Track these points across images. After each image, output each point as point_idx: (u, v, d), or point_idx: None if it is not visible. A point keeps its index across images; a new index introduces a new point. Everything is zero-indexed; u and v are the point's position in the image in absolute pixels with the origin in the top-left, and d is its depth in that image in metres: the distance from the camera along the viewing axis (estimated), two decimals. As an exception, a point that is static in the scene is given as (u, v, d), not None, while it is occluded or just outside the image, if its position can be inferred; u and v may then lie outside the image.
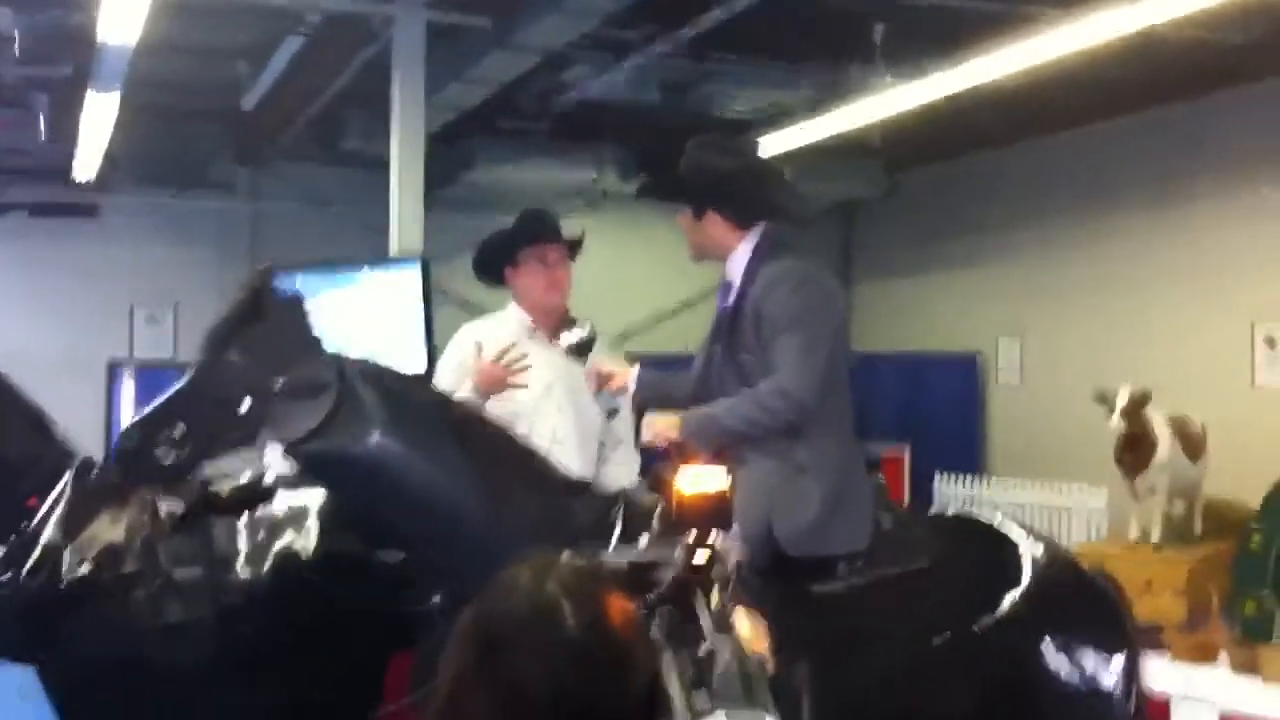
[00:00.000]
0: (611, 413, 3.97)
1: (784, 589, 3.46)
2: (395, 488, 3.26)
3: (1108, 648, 3.64)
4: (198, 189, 11.99)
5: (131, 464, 3.17)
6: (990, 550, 3.73)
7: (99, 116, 8.83)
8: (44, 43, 8.69)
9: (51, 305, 11.65)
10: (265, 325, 3.24)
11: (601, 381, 3.82)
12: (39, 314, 11.51)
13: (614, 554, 2.46)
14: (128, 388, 11.90)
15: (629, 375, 3.81)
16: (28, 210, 11.78)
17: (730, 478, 2.53)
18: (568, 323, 4.03)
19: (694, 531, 2.38)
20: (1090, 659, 3.60)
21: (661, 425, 3.62)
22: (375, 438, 3.20)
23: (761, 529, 3.47)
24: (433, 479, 3.28)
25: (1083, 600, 3.76)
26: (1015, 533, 3.82)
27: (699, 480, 2.47)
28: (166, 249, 12.09)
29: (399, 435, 3.24)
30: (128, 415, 11.94)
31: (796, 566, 3.51)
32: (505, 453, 3.52)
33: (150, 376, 11.99)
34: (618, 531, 3.41)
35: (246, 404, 3.16)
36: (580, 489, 3.61)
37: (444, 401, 3.62)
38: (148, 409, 3.24)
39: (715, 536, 2.38)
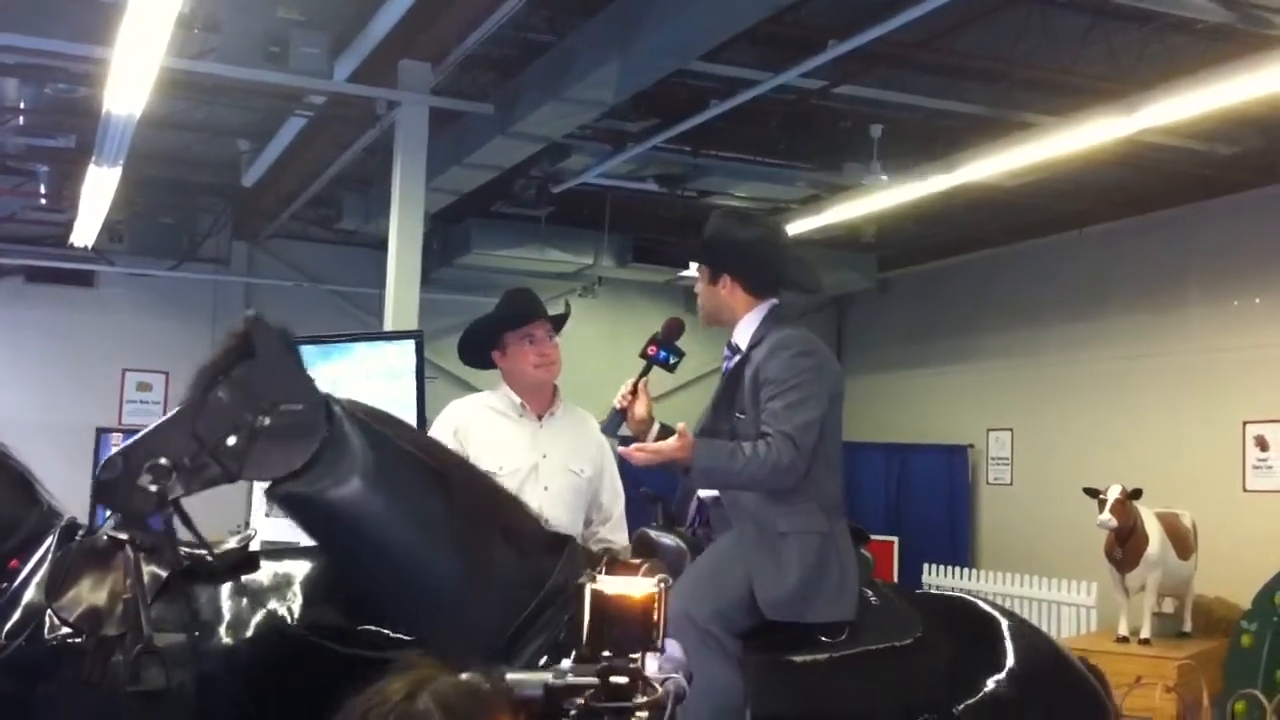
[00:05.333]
0: (605, 429, 3.82)
1: (764, 656, 3.44)
2: (371, 534, 3.24)
3: None
4: (194, 261, 12.07)
5: (112, 492, 3.14)
6: (975, 631, 3.72)
7: (100, 187, 8.91)
8: (48, 114, 8.82)
9: (43, 369, 11.67)
10: (255, 364, 3.25)
11: (627, 404, 3.67)
12: (30, 377, 11.53)
13: (529, 673, 2.09)
14: (115, 455, 11.87)
15: (653, 424, 3.67)
16: (24, 275, 11.85)
17: (662, 590, 2.20)
18: (670, 329, 3.87)
19: (615, 647, 2.12)
20: (1072, 747, 3.60)
21: (668, 447, 3.48)
22: (355, 483, 3.19)
23: (742, 593, 3.45)
24: (409, 528, 3.28)
25: (1066, 685, 3.74)
26: (1000, 616, 3.82)
27: (624, 584, 2.17)
28: (160, 318, 12.13)
29: (380, 482, 3.23)
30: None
31: (777, 633, 3.48)
32: (487, 505, 3.48)
33: (138, 445, 12.01)
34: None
35: (231, 441, 3.15)
36: (560, 544, 3.57)
37: (430, 448, 3.57)
38: (131, 439, 3.22)
39: (642, 657, 2.13)
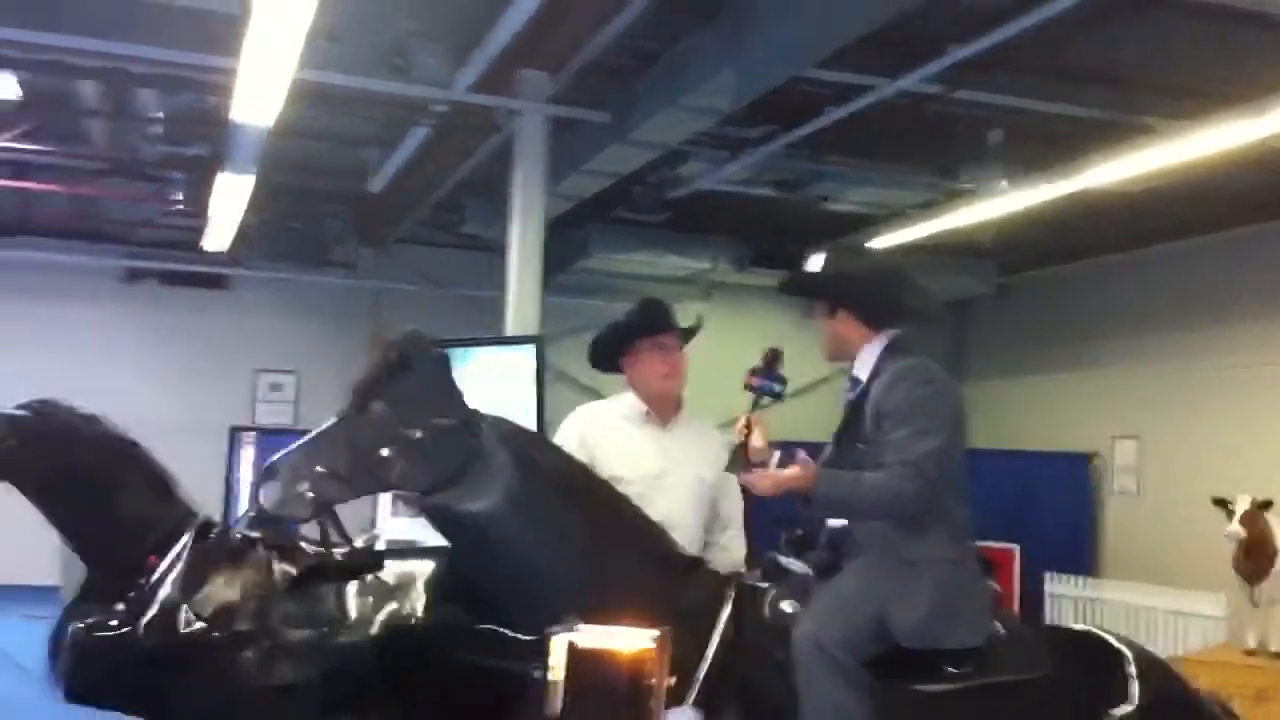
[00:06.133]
0: (729, 466, 3.84)
1: (891, 684, 3.44)
2: (511, 547, 3.37)
3: None
4: (323, 266, 12.40)
5: (273, 498, 3.32)
6: (1103, 667, 3.67)
7: (232, 193, 9.20)
8: (183, 123, 9.13)
9: (179, 371, 12.11)
10: (409, 379, 3.39)
11: (746, 432, 3.67)
12: (167, 379, 11.96)
13: None
14: (247, 452, 12.26)
15: (773, 454, 3.65)
16: (159, 279, 12.27)
17: (661, 642, 1.78)
18: (771, 359, 3.91)
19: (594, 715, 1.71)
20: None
21: (787, 476, 3.52)
22: (499, 499, 3.33)
23: (871, 620, 3.45)
24: (547, 547, 3.39)
25: None
26: (1129, 651, 3.76)
27: (608, 636, 1.74)
28: (290, 321, 12.51)
29: (523, 499, 3.36)
30: (247, 478, 12.33)
31: (907, 661, 3.48)
32: (623, 525, 3.60)
33: (270, 441, 12.35)
34: (727, 611, 3.47)
35: (384, 452, 3.31)
36: (693, 566, 3.67)
37: (572, 468, 3.70)
38: (292, 447, 3.39)
39: None
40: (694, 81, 7.40)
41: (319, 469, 3.29)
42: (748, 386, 3.78)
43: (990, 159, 8.93)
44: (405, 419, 3.33)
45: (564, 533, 3.43)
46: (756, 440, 3.65)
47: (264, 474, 3.34)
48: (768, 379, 3.78)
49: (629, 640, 1.68)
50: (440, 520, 3.45)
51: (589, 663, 1.69)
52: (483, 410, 3.54)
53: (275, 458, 3.39)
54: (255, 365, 12.57)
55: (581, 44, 7.29)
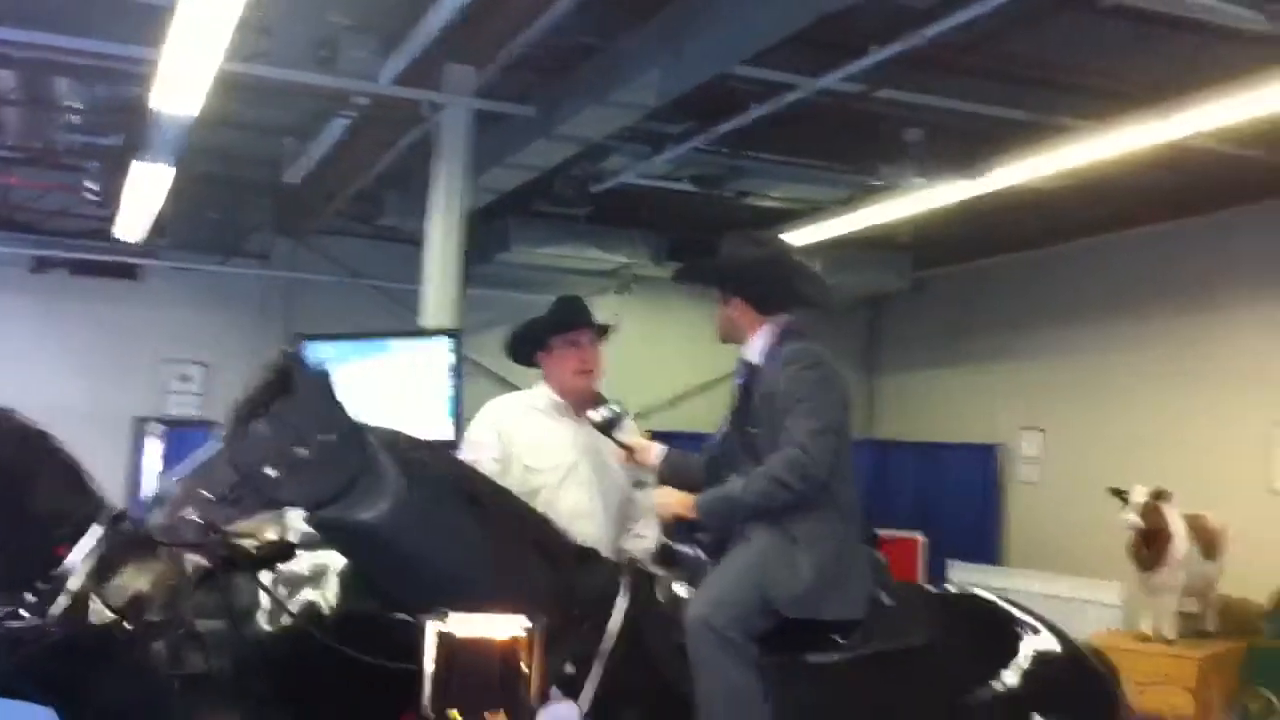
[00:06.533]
0: (638, 484, 4.08)
1: (781, 657, 3.56)
2: (404, 556, 3.41)
3: None
4: (237, 257, 12.23)
5: (162, 525, 3.33)
6: (991, 630, 3.81)
7: (147, 183, 9.07)
8: (101, 113, 8.98)
9: (86, 361, 11.86)
10: (292, 398, 3.39)
11: (628, 456, 3.96)
12: (73, 369, 11.70)
13: None
14: (152, 444, 12.08)
15: (655, 451, 3.95)
16: (69, 268, 12.05)
17: (529, 636, 1.78)
18: (597, 400, 4.13)
19: (467, 704, 1.69)
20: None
21: (674, 501, 3.75)
22: (388, 508, 3.35)
23: (758, 596, 3.57)
24: (441, 550, 3.44)
25: (1078, 682, 3.82)
26: (1017, 613, 3.89)
27: (481, 625, 1.72)
28: (202, 312, 12.34)
29: (413, 506, 3.39)
30: (152, 469, 12.16)
31: (793, 633, 3.59)
32: (516, 524, 3.67)
33: (175, 434, 12.21)
34: (623, 599, 3.52)
35: (270, 472, 3.31)
36: (587, 557, 3.74)
37: (461, 472, 3.75)
38: (180, 473, 3.40)
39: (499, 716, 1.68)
40: (622, 78, 7.44)
41: (204, 494, 3.28)
42: (595, 425, 4.13)
43: (908, 157, 9.05)
44: (290, 437, 3.33)
45: (455, 534, 3.48)
46: (639, 457, 4.00)
47: (152, 502, 3.37)
48: (604, 408, 4.11)
49: (500, 628, 1.65)
50: (332, 533, 3.48)
51: (461, 651, 1.67)
52: (368, 421, 3.56)
53: (163, 486, 3.41)
54: (164, 356, 12.37)
55: (509, 39, 7.28)
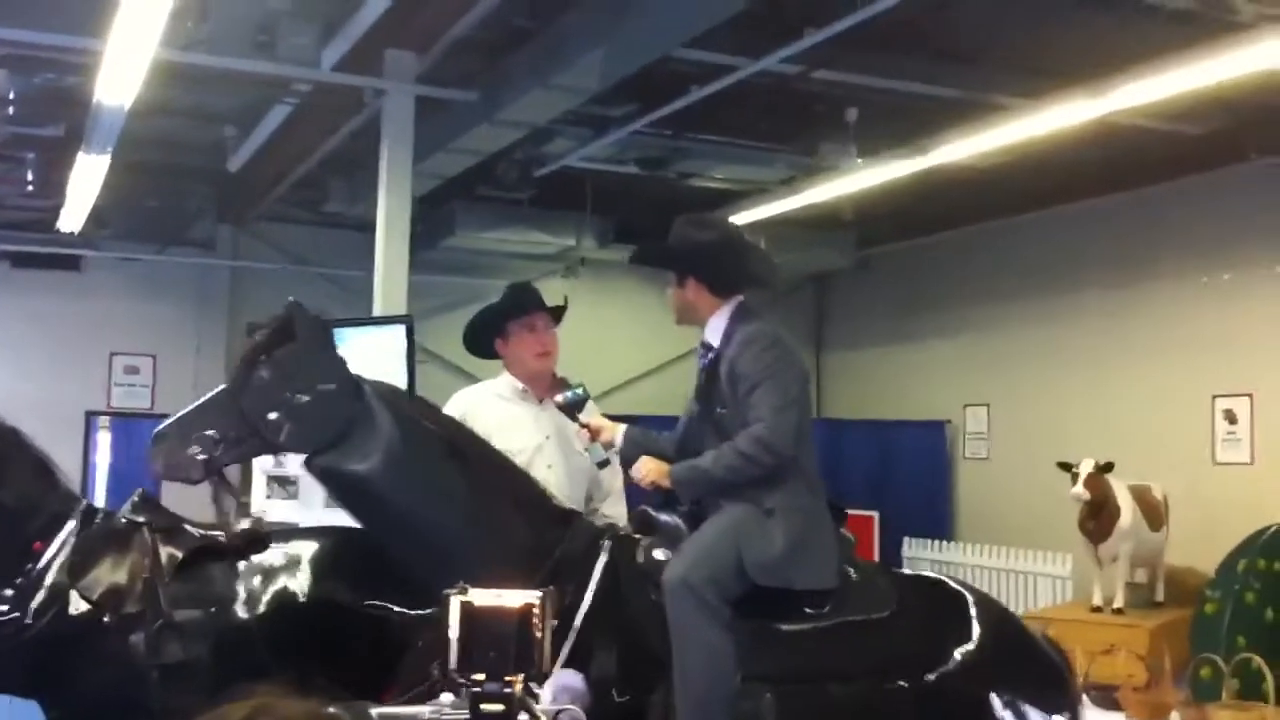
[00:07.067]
0: (602, 464, 4.19)
1: (754, 623, 3.70)
2: (394, 507, 3.56)
3: (1050, 707, 3.87)
4: (180, 245, 12.16)
5: (164, 460, 3.41)
6: (946, 606, 3.96)
7: (87, 173, 9.01)
8: (37, 103, 8.91)
9: (30, 354, 11.76)
10: (294, 346, 3.52)
11: (593, 435, 4.07)
12: (19, 363, 11.60)
13: (401, 708, 1.83)
14: (104, 437, 12.02)
15: (618, 431, 4.06)
16: (10, 261, 11.94)
17: (542, 603, 1.86)
18: (561, 384, 4.23)
19: (488, 669, 1.80)
20: (1034, 715, 3.82)
21: (654, 470, 3.89)
22: (380, 459, 3.50)
23: (734, 562, 3.70)
24: (430, 503, 3.60)
25: (1029, 660, 3.99)
26: (968, 593, 4.06)
27: (497, 596, 1.86)
28: (147, 302, 12.26)
29: (404, 457, 3.54)
30: (104, 463, 12.08)
31: (766, 600, 3.73)
32: (505, 482, 3.83)
33: (126, 427, 12.14)
34: (603, 559, 3.66)
35: (272, 416, 3.43)
36: (571, 519, 3.90)
37: (452, 427, 3.88)
38: (183, 411, 3.52)
39: (517, 679, 1.81)
40: (564, 62, 7.49)
41: (208, 432, 3.39)
42: (559, 407, 4.19)
43: (848, 137, 9.17)
44: (291, 384, 3.47)
45: (444, 488, 3.64)
46: (604, 436, 4.07)
47: (154, 439, 3.44)
48: (565, 391, 4.16)
49: (516, 598, 1.83)
50: (328, 480, 3.63)
51: (481, 619, 1.83)
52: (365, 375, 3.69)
53: (163, 424, 3.49)
54: (111, 348, 12.29)
55: (450, 24, 7.32)
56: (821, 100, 8.99)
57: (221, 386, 3.58)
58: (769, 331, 3.97)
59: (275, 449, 3.55)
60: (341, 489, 3.65)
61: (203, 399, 3.56)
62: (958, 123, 8.67)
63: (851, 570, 3.94)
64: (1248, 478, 9.63)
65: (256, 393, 3.46)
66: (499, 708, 1.78)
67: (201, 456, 3.38)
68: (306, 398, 3.46)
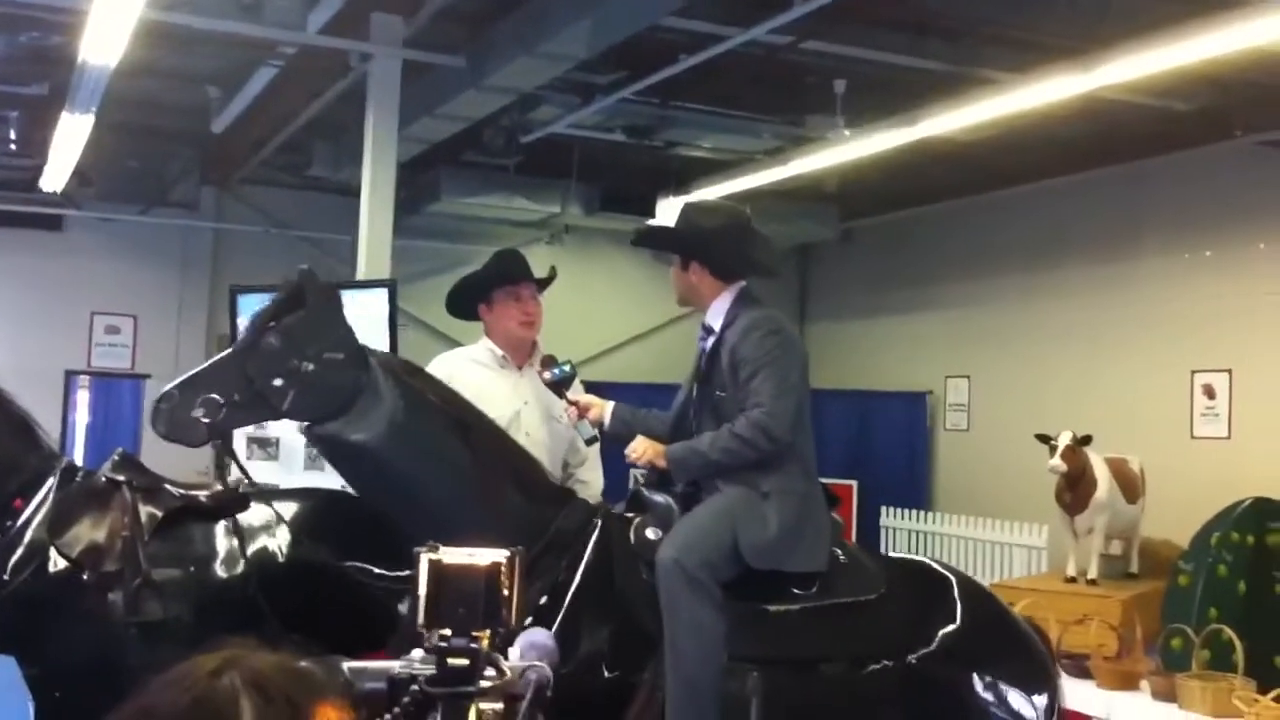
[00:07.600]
0: (590, 441, 4.22)
1: (743, 604, 3.74)
2: (394, 477, 3.59)
3: (1032, 688, 3.94)
4: (163, 207, 12.12)
5: (168, 422, 3.40)
6: (931, 590, 4.02)
7: (70, 133, 8.96)
8: (21, 62, 8.85)
9: (11, 313, 11.73)
10: (303, 314, 3.52)
11: (580, 413, 4.09)
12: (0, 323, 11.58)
13: (373, 663, 1.81)
14: (83, 396, 12.00)
15: (606, 409, 4.09)
16: (-8, 221, 11.89)
17: (512, 561, 1.87)
18: (548, 361, 4.24)
19: (456, 624, 1.81)
20: (1015, 696, 3.91)
21: (649, 449, 3.93)
22: (383, 429, 3.51)
23: (728, 544, 3.74)
24: (430, 475, 3.62)
25: (1011, 642, 4.06)
26: (954, 577, 4.11)
27: (467, 554, 1.84)
28: (129, 263, 12.22)
29: (408, 429, 3.56)
30: (83, 423, 12.06)
31: (754, 582, 3.77)
32: (503, 457, 3.85)
33: (106, 386, 12.13)
34: (596, 537, 3.69)
35: (277, 382, 3.43)
36: (566, 497, 3.94)
37: (455, 402, 3.89)
38: (188, 374, 3.51)
39: (484, 635, 1.81)
40: (552, 28, 7.45)
41: (213, 395, 3.39)
42: (547, 384, 4.23)
43: (835, 108, 9.16)
44: (299, 352, 3.47)
45: (445, 461, 3.66)
46: (592, 414, 4.11)
47: (161, 398, 3.44)
48: (554, 368, 4.20)
49: (485, 556, 1.84)
50: (328, 448, 3.65)
51: (450, 576, 1.83)
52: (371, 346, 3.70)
53: (169, 385, 3.48)
54: (91, 308, 12.25)
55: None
56: (810, 71, 8.97)
57: (229, 350, 3.59)
58: (772, 317, 4.03)
59: (279, 415, 3.55)
60: (343, 458, 3.67)
61: (209, 362, 3.57)
62: (945, 96, 8.65)
63: (840, 552, 4.00)
64: (1224, 452, 9.71)
65: (264, 359, 3.46)
66: (464, 662, 1.78)
67: (205, 419, 3.38)
68: (313, 366, 3.47)
